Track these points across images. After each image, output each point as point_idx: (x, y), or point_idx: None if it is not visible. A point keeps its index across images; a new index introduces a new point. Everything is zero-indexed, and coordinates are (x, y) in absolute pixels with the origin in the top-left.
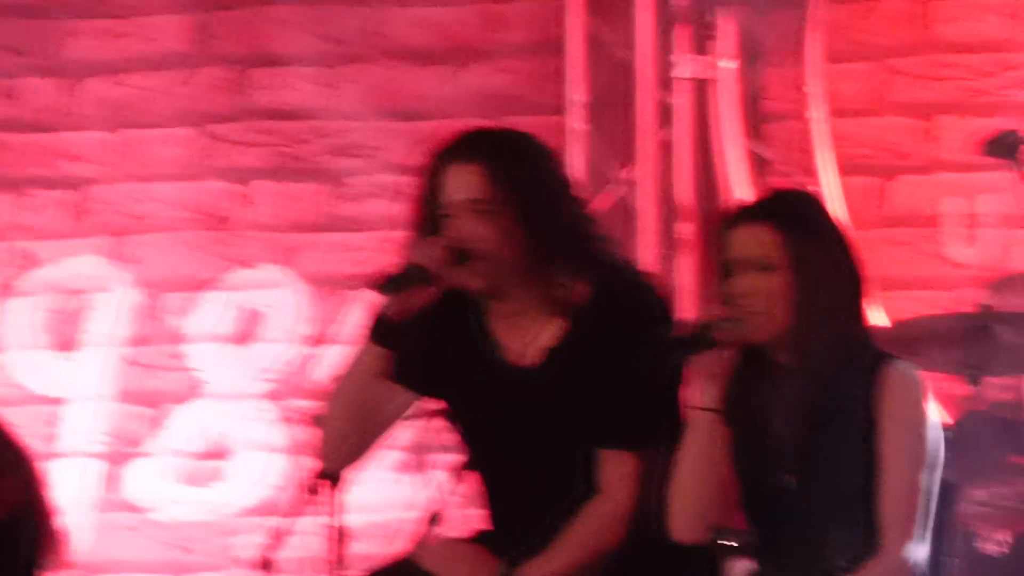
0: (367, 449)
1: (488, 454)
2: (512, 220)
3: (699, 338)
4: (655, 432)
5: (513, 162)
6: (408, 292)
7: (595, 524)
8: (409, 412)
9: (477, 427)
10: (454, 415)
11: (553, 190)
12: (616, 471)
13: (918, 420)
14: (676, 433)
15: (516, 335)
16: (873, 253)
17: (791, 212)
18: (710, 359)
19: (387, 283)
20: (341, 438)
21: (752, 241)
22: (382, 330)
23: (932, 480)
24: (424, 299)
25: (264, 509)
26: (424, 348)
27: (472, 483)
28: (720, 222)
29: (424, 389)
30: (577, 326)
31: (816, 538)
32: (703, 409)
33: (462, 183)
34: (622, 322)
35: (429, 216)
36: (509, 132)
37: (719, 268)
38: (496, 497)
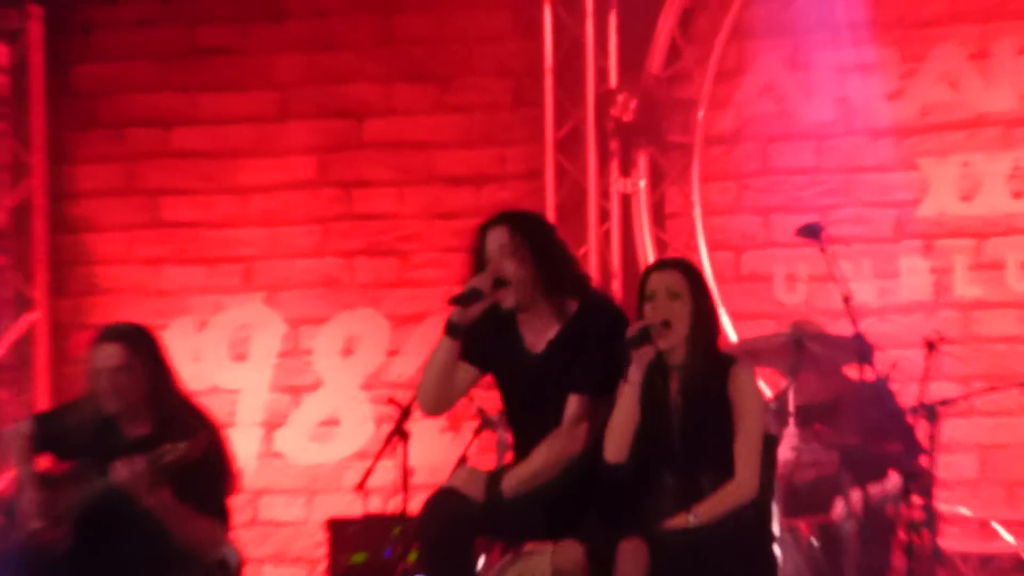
0: (447, 404)
1: (515, 407)
2: (528, 259)
3: (642, 336)
4: (601, 388)
5: (527, 223)
6: (467, 304)
7: (552, 445)
8: (473, 383)
9: (509, 390)
10: (498, 383)
11: (553, 240)
12: (572, 409)
13: (757, 401)
14: (614, 394)
15: (532, 333)
16: (734, 296)
17: (689, 265)
18: (643, 352)
19: (454, 298)
20: (430, 395)
21: (668, 279)
22: (452, 328)
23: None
24: (478, 310)
25: (359, 456)
26: (480, 340)
27: (506, 435)
28: (644, 271)
29: (480, 365)
30: (567, 327)
31: (694, 473)
32: (632, 383)
33: (496, 237)
34: (595, 326)
35: (479, 260)
36: (525, 210)
37: (640, 298)
38: (520, 436)
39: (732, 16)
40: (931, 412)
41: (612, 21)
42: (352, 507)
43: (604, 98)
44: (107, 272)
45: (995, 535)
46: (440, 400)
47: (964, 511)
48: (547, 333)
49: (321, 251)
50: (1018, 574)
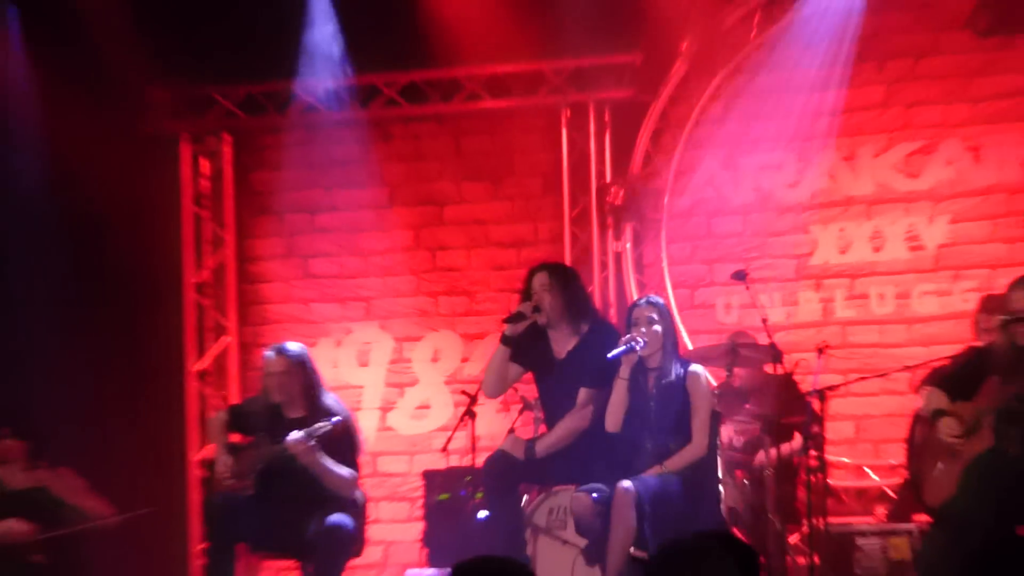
0: (501, 392)
1: (546, 397)
2: (558, 294)
3: (628, 348)
4: (603, 383)
5: (559, 271)
6: (516, 322)
7: (569, 421)
8: (518, 378)
9: (542, 383)
10: (535, 378)
11: (575, 282)
12: (582, 397)
13: (707, 390)
14: (611, 386)
15: (558, 344)
16: (689, 319)
17: (660, 301)
18: (629, 357)
19: (507, 318)
20: (490, 385)
21: (646, 312)
22: (505, 339)
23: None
24: (523, 327)
25: (443, 429)
26: (524, 347)
27: (540, 414)
28: (630, 306)
29: (524, 366)
30: (581, 341)
31: (664, 439)
32: (623, 379)
33: (539, 279)
34: (599, 341)
35: (527, 294)
36: (558, 262)
37: (628, 324)
38: (548, 415)
39: (686, 134)
40: (821, 394)
41: (607, 138)
42: (439, 462)
43: (602, 189)
44: (274, 309)
45: (866, 475)
46: (497, 389)
47: (845, 460)
48: (568, 345)
49: (416, 293)
50: (881, 501)
